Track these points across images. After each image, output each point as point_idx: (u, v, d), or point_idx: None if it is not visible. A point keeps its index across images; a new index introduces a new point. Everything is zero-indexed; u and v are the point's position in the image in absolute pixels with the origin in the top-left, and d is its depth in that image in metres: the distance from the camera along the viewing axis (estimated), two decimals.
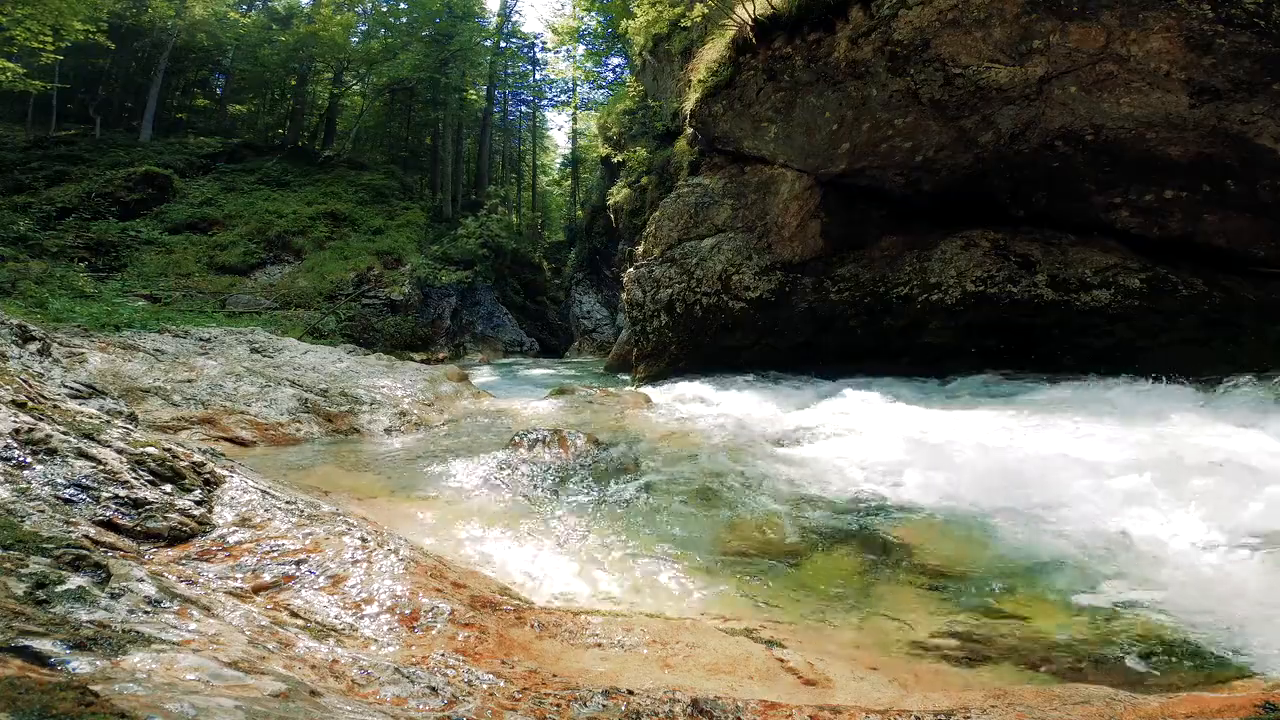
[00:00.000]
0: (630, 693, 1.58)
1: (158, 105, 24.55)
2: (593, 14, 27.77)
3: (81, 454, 2.06)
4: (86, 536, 1.71)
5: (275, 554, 2.09)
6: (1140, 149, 7.31)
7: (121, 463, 2.14)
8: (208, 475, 2.41)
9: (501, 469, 4.62)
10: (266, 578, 1.95)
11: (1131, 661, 2.36)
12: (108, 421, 2.47)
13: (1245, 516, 3.29)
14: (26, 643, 1.10)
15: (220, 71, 29.89)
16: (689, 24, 11.61)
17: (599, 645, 2.09)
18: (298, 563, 2.07)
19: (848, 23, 7.94)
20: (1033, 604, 2.83)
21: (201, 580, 1.81)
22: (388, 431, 6.34)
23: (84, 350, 6.29)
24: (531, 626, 2.13)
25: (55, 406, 2.46)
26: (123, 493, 2.01)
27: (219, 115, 29.11)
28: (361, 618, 1.90)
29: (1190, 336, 7.58)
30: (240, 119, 30.32)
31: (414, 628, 1.92)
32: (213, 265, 17.99)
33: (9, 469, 1.83)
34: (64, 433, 2.13)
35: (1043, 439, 4.96)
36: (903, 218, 9.65)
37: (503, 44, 33.14)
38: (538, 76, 37.68)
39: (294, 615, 1.80)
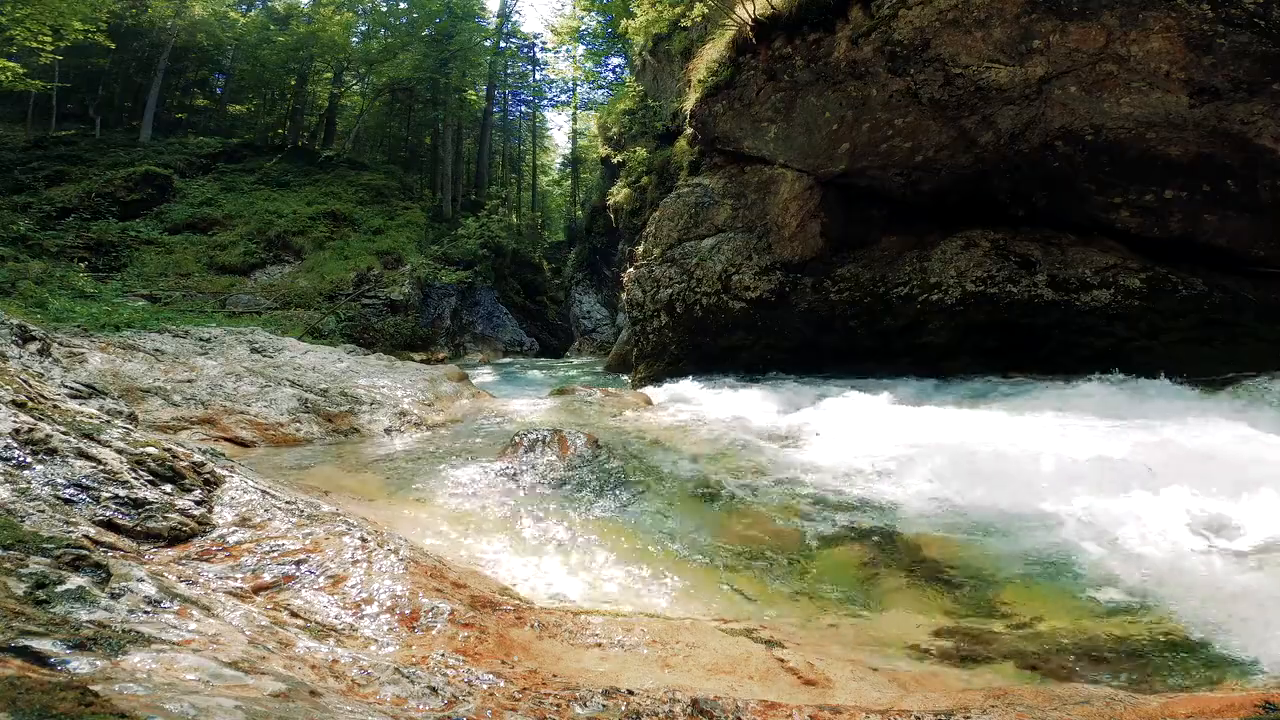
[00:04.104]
0: (630, 693, 1.58)
1: (158, 105, 24.55)
2: (593, 14, 27.78)
3: (81, 454, 2.06)
4: (86, 536, 1.71)
5: (275, 554, 2.08)
6: (1140, 149, 7.31)
7: (121, 463, 2.14)
8: (208, 475, 2.41)
9: (501, 469, 4.61)
10: (266, 578, 1.95)
11: (1132, 661, 2.35)
12: (108, 421, 2.47)
13: (1245, 517, 3.29)
14: (26, 643, 1.10)
15: (220, 71, 29.89)
16: (689, 24, 11.62)
17: (599, 645, 2.08)
18: (298, 563, 2.07)
19: (848, 23, 7.94)
20: (1033, 604, 2.83)
21: (201, 580, 1.81)
22: (388, 432, 6.33)
23: (84, 350, 6.29)
24: (531, 626, 2.13)
25: (55, 406, 2.46)
26: (123, 493, 2.01)
27: (219, 115, 29.11)
28: (361, 618, 1.90)
29: (1190, 336, 7.58)
30: (240, 119, 30.31)
31: (414, 628, 1.92)
32: (213, 265, 18.00)
33: (9, 469, 1.83)
34: (64, 433, 2.13)
35: (1043, 439, 4.96)
36: (903, 218, 9.65)
37: (502, 44, 33.15)
38: (538, 76, 37.74)
39: (294, 615, 1.80)
